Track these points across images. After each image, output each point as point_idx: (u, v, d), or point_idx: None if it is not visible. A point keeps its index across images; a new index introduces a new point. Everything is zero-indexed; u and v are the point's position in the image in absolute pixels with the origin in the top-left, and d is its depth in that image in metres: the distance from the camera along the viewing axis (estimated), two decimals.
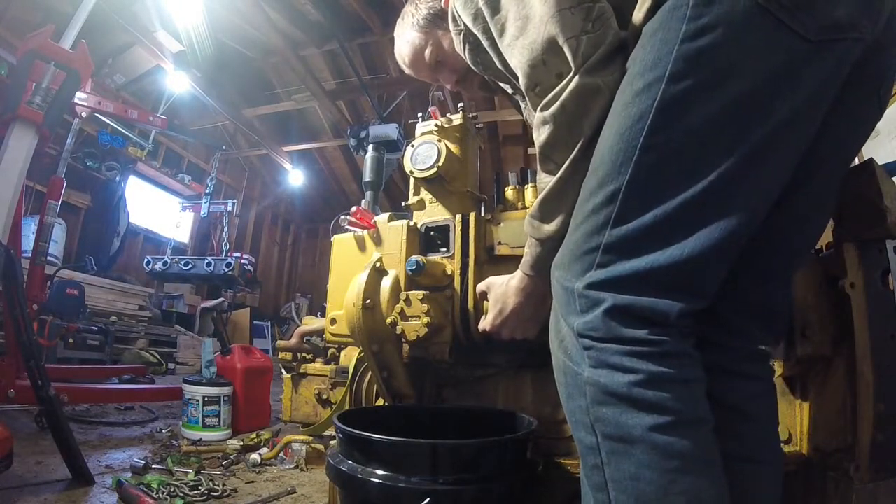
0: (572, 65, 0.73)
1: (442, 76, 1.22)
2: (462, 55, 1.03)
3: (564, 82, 0.74)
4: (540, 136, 0.79)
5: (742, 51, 0.61)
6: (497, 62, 0.90)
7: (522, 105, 1.11)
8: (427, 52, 1.17)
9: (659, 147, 0.64)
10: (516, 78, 0.85)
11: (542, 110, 0.77)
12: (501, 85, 1.07)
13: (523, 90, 0.81)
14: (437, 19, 1.15)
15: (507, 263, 1.14)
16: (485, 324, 1.03)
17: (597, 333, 0.65)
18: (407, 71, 1.26)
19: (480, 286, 1.06)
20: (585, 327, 0.66)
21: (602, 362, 0.65)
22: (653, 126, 0.63)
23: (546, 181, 0.81)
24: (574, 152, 0.76)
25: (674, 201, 0.64)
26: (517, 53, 0.79)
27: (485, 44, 0.89)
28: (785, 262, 0.80)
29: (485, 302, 1.07)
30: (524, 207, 1.28)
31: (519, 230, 1.15)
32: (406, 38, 1.20)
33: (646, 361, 0.62)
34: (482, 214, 1.30)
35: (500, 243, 1.22)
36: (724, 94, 0.61)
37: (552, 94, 0.75)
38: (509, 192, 1.33)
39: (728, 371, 0.76)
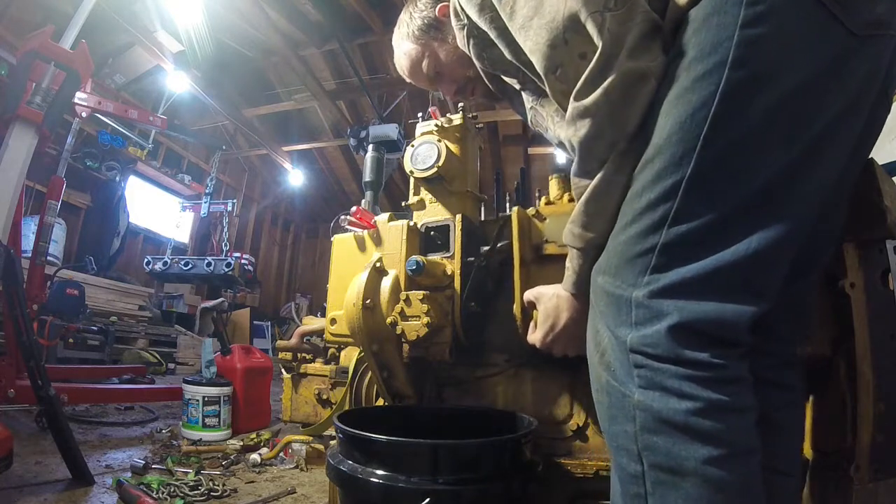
0: (598, 42, 0.66)
1: (441, 87, 1.19)
2: (466, 50, 0.98)
3: (595, 64, 0.67)
4: (578, 130, 0.70)
5: (797, 42, 0.59)
6: (507, 52, 0.84)
7: (529, 102, 1.04)
8: (424, 64, 1.14)
9: (724, 137, 0.60)
10: (528, 66, 0.79)
11: (577, 99, 0.69)
12: (508, 80, 1.01)
13: (542, 74, 0.75)
14: (432, 29, 1.11)
15: (557, 263, 1.06)
16: (535, 339, 0.95)
17: (654, 351, 0.60)
18: (408, 80, 1.24)
19: (528, 295, 0.98)
20: (642, 342, 0.61)
21: (655, 384, 0.60)
22: (717, 114, 0.59)
23: (583, 184, 0.74)
24: (620, 145, 0.68)
25: (738, 195, 0.60)
26: (533, 35, 0.73)
27: (492, 35, 0.84)
28: (811, 261, 0.77)
29: (534, 311, 1.00)
30: (571, 200, 1.19)
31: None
32: (403, 49, 1.17)
33: (705, 388, 0.58)
34: (525, 210, 1.20)
35: (546, 241, 1.15)
36: (784, 84, 0.59)
37: (584, 79, 0.68)
38: (553, 183, 1.25)
39: (765, 380, 0.72)
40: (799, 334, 0.81)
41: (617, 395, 0.63)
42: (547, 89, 0.76)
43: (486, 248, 1.23)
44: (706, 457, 0.57)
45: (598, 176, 0.71)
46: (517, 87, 1.00)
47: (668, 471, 0.59)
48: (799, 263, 0.73)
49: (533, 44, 0.73)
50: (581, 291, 0.80)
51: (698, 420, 0.57)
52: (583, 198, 0.74)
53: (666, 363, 0.59)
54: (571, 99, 0.70)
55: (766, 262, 0.61)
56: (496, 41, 0.85)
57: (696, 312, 0.59)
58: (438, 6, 1.10)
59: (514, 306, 1.10)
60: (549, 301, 0.90)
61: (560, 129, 0.99)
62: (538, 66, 0.74)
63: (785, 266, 0.65)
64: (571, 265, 0.81)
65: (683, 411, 0.58)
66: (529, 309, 1.01)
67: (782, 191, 0.61)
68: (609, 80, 0.66)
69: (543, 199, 1.24)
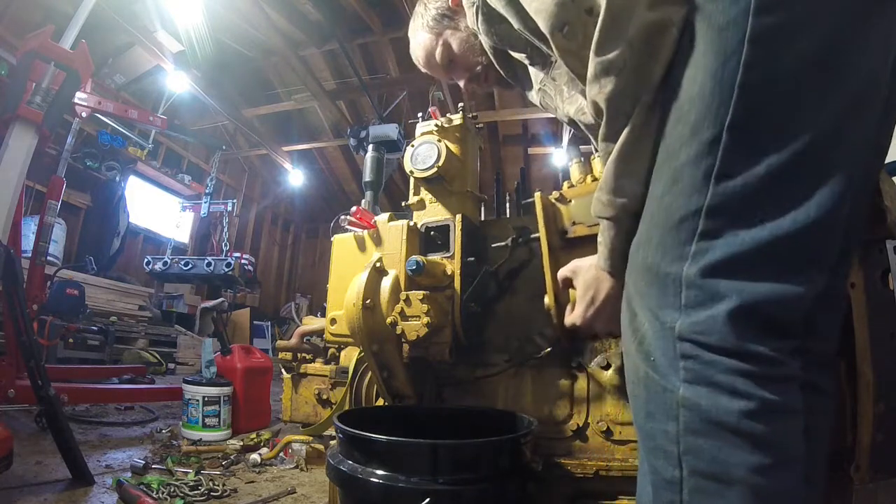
0: None
1: (455, 75, 1.21)
2: (475, 27, 0.98)
3: (605, 15, 0.63)
4: (604, 87, 0.65)
5: None
6: (515, 22, 0.82)
7: (538, 82, 1.01)
8: (438, 53, 1.17)
9: (761, 81, 0.55)
10: (535, 33, 0.77)
11: (599, 55, 0.64)
12: (516, 56, 0.97)
13: (548, 34, 0.72)
14: (445, 18, 1.14)
15: (586, 246, 1.01)
16: (574, 317, 0.86)
17: (708, 339, 0.54)
18: (423, 70, 1.26)
19: (563, 271, 0.91)
20: (693, 329, 0.54)
21: (703, 378, 0.54)
22: (749, 59, 0.55)
23: (612, 148, 0.68)
24: (645, 98, 0.64)
25: (785, 149, 0.54)
26: None
27: (499, 6, 0.83)
28: (852, 245, 0.69)
29: (570, 290, 0.92)
30: (595, 180, 1.15)
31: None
32: (417, 39, 1.20)
33: (760, 386, 0.52)
34: (549, 195, 1.17)
35: (573, 223, 1.11)
36: (813, 29, 0.55)
37: (600, 32, 0.64)
38: (574, 168, 1.24)
39: (804, 384, 0.67)
40: (837, 331, 0.74)
41: (657, 389, 0.57)
42: (554, 51, 0.73)
43: (503, 245, 1.21)
44: (757, 464, 0.51)
45: (626, 131, 0.65)
46: (526, 62, 0.97)
47: (712, 478, 0.53)
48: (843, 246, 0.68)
49: (539, 4, 0.71)
50: (617, 269, 0.73)
51: (751, 423, 0.52)
52: (610, 159, 0.67)
53: (721, 355, 0.53)
54: (592, 55, 0.65)
55: (827, 230, 0.55)
56: (504, 12, 0.83)
57: (758, 294, 0.53)
58: None
59: (546, 298, 1.05)
60: (587, 272, 0.83)
61: (570, 105, 0.97)
62: (544, 25, 0.71)
63: (840, 235, 0.57)
64: (603, 239, 0.74)
65: (736, 412, 0.52)
66: (564, 288, 0.94)
67: (832, 145, 0.55)
68: (631, 32, 0.62)
69: (566, 184, 1.21)
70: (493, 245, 1.29)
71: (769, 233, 0.54)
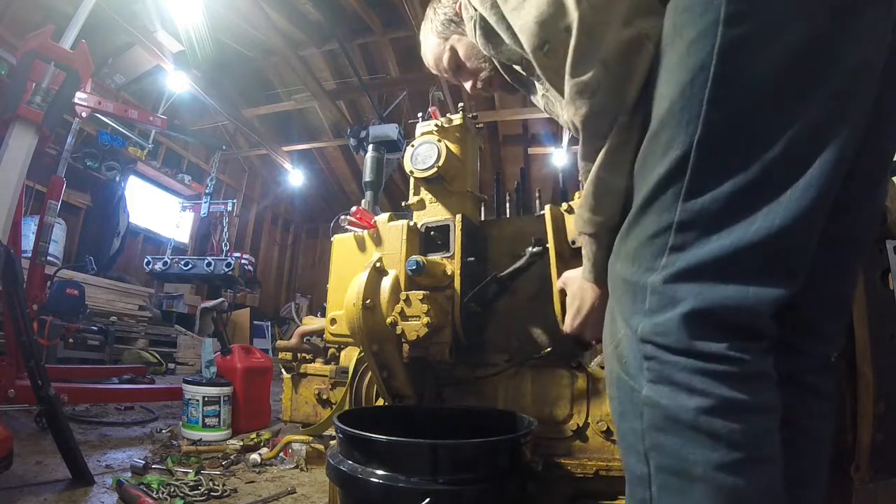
0: (574, 13, 0.63)
1: (462, 79, 1.22)
2: (474, 41, 0.99)
3: (577, 35, 0.63)
4: (579, 109, 0.66)
5: None
6: (507, 38, 0.84)
7: (541, 89, 1.03)
8: (445, 58, 1.17)
9: (728, 99, 0.55)
10: (524, 50, 0.77)
11: (574, 76, 0.65)
12: (515, 67, 1.00)
13: (530, 52, 0.73)
14: (453, 24, 1.14)
15: None
16: (565, 326, 0.92)
17: (666, 340, 0.56)
18: (434, 73, 1.27)
19: (559, 283, 0.98)
20: (653, 331, 0.57)
21: (664, 378, 0.56)
22: (717, 75, 0.54)
23: (588, 168, 0.69)
24: (621, 118, 0.64)
25: (754, 162, 0.54)
26: (524, 14, 0.71)
27: (492, 22, 0.84)
28: (847, 251, 0.70)
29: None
30: None
31: None
32: (427, 43, 1.21)
33: (719, 383, 0.53)
34: (559, 206, 1.21)
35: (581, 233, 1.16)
36: (787, 36, 0.54)
37: (573, 53, 0.64)
38: None
39: (804, 385, 0.67)
40: (840, 334, 0.74)
41: (626, 389, 0.60)
42: (536, 68, 0.75)
43: (527, 252, 1.22)
44: (718, 462, 0.52)
45: (603, 151, 0.67)
46: (523, 73, 1.00)
47: (676, 474, 0.54)
48: (834, 255, 0.67)
49: (522, 22, 0.72)
50: (600, 279, 0.76)
51: (710, 419, 0.52)
52: (589, 178, 0.70)
53: (677, 355, 0.55)
54: (567, 76, 0.66)
55: (793, 236, 0.55)
56: (496, 28, 0.84)
57: (715, 298, 0.54)
58: (458, 2, 1.11)
59: (555, 306, 1.09)
60: (574, 283, 0.88)
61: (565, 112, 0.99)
62: (526, 44, 0.72)
63: (814, 239, 0.58)
64: (586, 252, 0.78)
65: (693, 409, 0.53)
66: (562, 297, 1.00)
67: (804, 155, 0.55)
68: (605, 51, 0.62)
69: (577, 194, 1.23)
70: (516, 256, 1.28)
71: (731, 242, 0.55)
